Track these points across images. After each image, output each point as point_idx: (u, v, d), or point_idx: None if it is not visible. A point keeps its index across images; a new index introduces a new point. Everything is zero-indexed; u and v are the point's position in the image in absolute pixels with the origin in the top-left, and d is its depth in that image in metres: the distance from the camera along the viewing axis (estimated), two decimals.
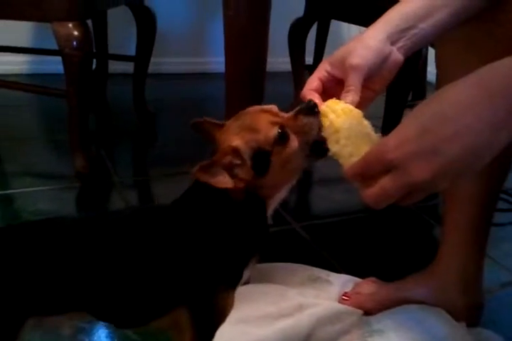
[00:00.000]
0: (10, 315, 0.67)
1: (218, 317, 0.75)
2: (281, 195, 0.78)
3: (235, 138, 0.72)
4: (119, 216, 0.80)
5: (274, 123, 0.72)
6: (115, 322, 0.78)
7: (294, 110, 0.76)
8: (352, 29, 3.02)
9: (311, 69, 2.44)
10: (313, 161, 0.78)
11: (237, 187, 0.69)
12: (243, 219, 0.74)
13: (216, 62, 2.82)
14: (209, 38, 2.93)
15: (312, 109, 0.73)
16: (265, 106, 0.76)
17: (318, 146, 0.74)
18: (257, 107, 0.77)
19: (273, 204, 0.77)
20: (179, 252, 0.72)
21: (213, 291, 0.73)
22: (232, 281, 0.75)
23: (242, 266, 0.75)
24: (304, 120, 0.74)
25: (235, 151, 0.70)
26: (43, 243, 0.70)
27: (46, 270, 0.67)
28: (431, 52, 1.83)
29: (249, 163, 0.70)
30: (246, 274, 0.77)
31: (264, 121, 0.73)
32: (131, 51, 2.12)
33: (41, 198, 1.49)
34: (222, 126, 0.77)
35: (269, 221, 0.78)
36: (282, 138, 0.72)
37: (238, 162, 0.70)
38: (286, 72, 2.23)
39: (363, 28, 2.13)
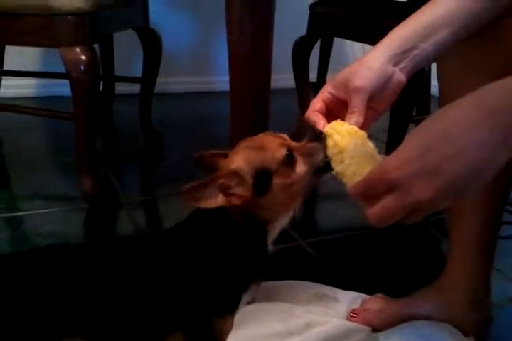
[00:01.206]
0: None
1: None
2: (283, 220, 0.78)
3: (237, 157, 0.74)
4: (120, 243, 0.81)
5: (282, 145, 0.75)
6: None
7: (304, 140, 0.78)
8: (355, 46, 3.05)
9: (315, 86, 2.46)
10: (317, 179, 0.79)
11: (234, 205, 0.70)
12: (242, 245, 0.74)
13: (221, 81, 2.85)
14: (213, 57, 2.97)
15: (318, 136, 0.75)
16: (274, 133, 0.79)
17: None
18: (268, 132, 0.79)
19: (274, 230, 0.77)
20: (176, 278, 0.72)
21: (210, 317, 0.73)
22: (230, 306, 0.75)
23: (241, 291, 0.76)
24: (310, 145, 0.76)
25: (233, 173, 0.71)
26: (40, 271, 0.71)
27: (45, 297, 0.68)
28: (434, 66, 1.84)
29: (250, 181, 0.72)
30: (245, 298, 0.77)
31: (272, 142, 0.75)
32: (137, 72, 2.15)
33: (50, 220, 1.50)
34: (225, 155, 0.79)
35: (270, 248, 0.78)
36: (289, 160, 0.74)
37: (233, 183, 0.71)
38: (289, 89, 2.25)
39: (366, 45, 2.16)
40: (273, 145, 0.75)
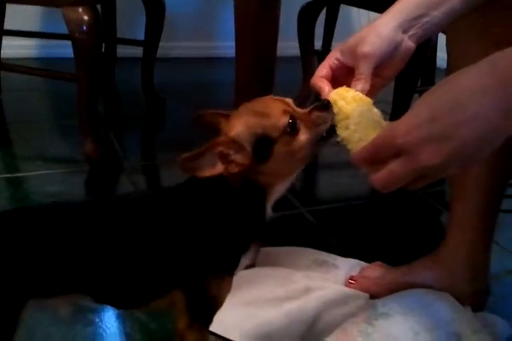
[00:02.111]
0: (11, 298, 0.68)
1: (213, 302, 0.76)
2: (283, 185, 0.77)
3: (237, 123, 0.72)
4: (121, 200, 0.81)
5: (285, 112, 0.72)
6: (113, 304, 0.79)
7: (309, 107, 0.75)
8: (361, 14, 3.00)
9: (320, 54, 2.43)
10: (319, 147, 0.77)
11: (232, 172, 0.69)
12: (241, 207, 0.74)
13: (225, 46, 2.82)
14: (218, 22, 2.92)
15: (326, 105, 0.73)
16: (278, 97, 0.76)
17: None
18: (271, 96, 0.76)
19: (274, 194, 0.76)
20: (175, 236, 0.72)
21: (206, 276, 0.73)
22: (228, 267, 0.75)
23: (239, 252, 0.76)
24: (317, 114, 0.74)
25: (232, 141, 0.69)
26: (43, 226, 0.71)
27: (47, 252, 0.69)
28: (441, 38, 1.82)
29: (249, 149, 0.70)
30: (244, 261, 0.77)
31: (276, 108, 0.72)
32: (139, 35, 2.12)
33: (51, 181, 1.51)
34: (228, 115, 0.76)
35: (269, 211, 0.77)
36: (292, 129, 0.72)
37: (231, 151, 0.69)
38: (294, 57, 2.22)
39: (372, 13, 2.13)
40: (276, 111, 0.72)
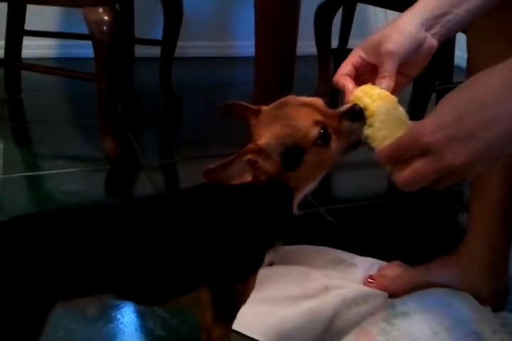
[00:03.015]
0: (41, 299, 0.68)
1: (238, 299, 0.76)
2: (310, 187, 0.76)
3: (266, 133, 0.70)
4: (150, 199, 0.81)
5: (316, 123, 0.70)
6: (139, 300, 0.80)
7: (340, 110, 0.73)
8: (378, 12, 2.99)
9: (337, 53, 2.43)
10: (346, 154, 0.75)
11: (260, 180, 0.69)
12: (269, 206, 0.74)
13: (242, 45, 2.83)
14: (235, 21, 2.93)
15: (357, 115, 0.71)
16: (309, 99, 0.73)
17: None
18: (300, 99, 0.73)
19: (301, 194, 0.76)
20: (203, 234, 0.73)
21: (234, 274, 0.74)
22: (254, 265, 0.76)
23: (264, 250, 0.76)
24: (348, 124, 0.72)
25: (259, 150, 0.69)
26: (72, 228, 0.71)
27: (76, 253, 0.69)
28: (459, 37, 1.81)
29: (277, 158, 0.69)
30: (268, 258, 0.77)
31: (305, 118, 0.70)
32: (157, 35, 2.13)
33: (72, 179, 1.53)
34: (258, 111, 0.75)
35: (295, 210, 0.77)
36: (323, 140, 0.70)
37: (260, 159, 0.68)
38: (310, 56, 2.22)
39: (389, 11, 2.12)
40: (307, 121, 0.69)
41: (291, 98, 0.74)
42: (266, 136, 0.70)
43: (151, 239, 0.72)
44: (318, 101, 0.73)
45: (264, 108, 0.75)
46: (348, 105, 0.73)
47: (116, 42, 1.47)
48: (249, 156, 0.68)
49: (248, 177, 0.68)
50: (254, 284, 0.77)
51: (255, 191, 0.72)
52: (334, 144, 0.71)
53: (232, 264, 0.74)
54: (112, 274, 0.71)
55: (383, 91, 0.72)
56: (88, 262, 0.70)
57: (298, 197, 0.76)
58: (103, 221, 0.73)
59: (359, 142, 0.73)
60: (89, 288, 0.72)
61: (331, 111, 0.73)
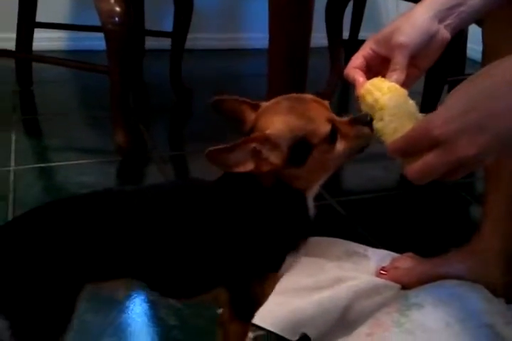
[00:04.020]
0: (70, 281, 0.69)
1: (255, 299, 0.76)
2: (313, 188, 0.75)
3: (277, 121, 0.69)
4: (179, 192, 0.79)
5: (328, 120, 0.70)
6: (162, 291, 0.80)
7: (348, 117, 0.73)
8: (389, 3, 2.97)
9: (347, 44, 2.41)
10: (353, 157, 0.75)
11: (262, 171, 0.67)
12: (281, 206, 0.72)
13: (252, 37, 2.82)
14: (245, 13, 2.92)
15: (368, 122, 0.71)
16: (318, 98, 0.73)
17: None
18: (311, 96, 0.73)
19: (311, 196, 0.75)
20: (226, 233, 0.72)
21: (251, 276, 0.74)
22: (272, 267, 0.75)
23: (283, 251, 0.75)
24: (358, 129, 0.72)
25: (267, 139, 0.67)
26: (101, 213, 0.72)
27: (103, 238, 0.70)
28: (472, 29, 1.79)
29: (285, 150, 0.67)
30: (291, 259, 0.76)
31: (320, 113, 0.70)
32: (167, 27, 2.13)
33: (84, 171, 1.53)
34: (256, 105, 0.74)
35: (311, 211, 0.75)
36: (331, 138, 0.70)
37: (265, 149, 0.66)
38: (321, 48, 2.21)
39: (400, 2, 2.11)
40: (320, 117, 0.69)
41: (303, 94, 0.74)
42: (277, 125, 0.68)
43: (176, 232, 0.72)
44: (325, 102, 0.73)
45: (264, 103, 0.74)
46: (359, 113, 0.73)
47: (128, 33, 1.47)
48: (254, 145, 0.66)
49: (250, 166, 0.66)
50: (273, 285, 0.76)
51: (266, 191, 0.71)
52: (340, 146, 0.71)
53: (248, 265, 0.73)
54: (137, 261, 0.72)
55: (393, 84, 0.72)
56: (115, 247, 0.70)
57: (309, 196, 0.74)
58: (132, 207, 0.73)
59: (363, 148, 0.73)
60: (115, 272, 0.73)
61: (339, 117, 0.73)
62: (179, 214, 0.73)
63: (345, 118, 0.73)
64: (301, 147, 0.68)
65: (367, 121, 0.71)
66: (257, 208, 0.72)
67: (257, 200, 0.72)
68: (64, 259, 0.69)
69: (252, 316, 0.79)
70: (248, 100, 0.75)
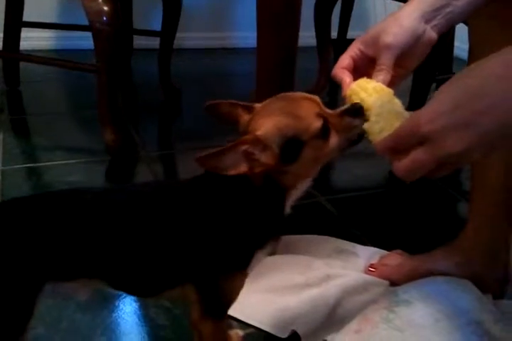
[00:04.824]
0: (28, 280, 0.69)
1: (224, 298, 0.76)
2: (304, 184, 0.75)
3: (266, 122, 0.69)
4: (140, 189, 0.80)
5: (318, 115, 0.70)
6: (127, 291, 0.80)
7: (340, 109, 0.73)
8: (377, 3, 2.99)
9: (336, 44, 2.42)
10: (344, 151, 0.75)
11: (255, 172, 0.67)
12: (259, 205, 0.72)
13: (241, 37, 2.83)
14: (234, 12, 2.92)
15: (358, 111, 0.71)
16: (309, 95, 0.73)
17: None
18: (301, 94, 0.73)
19: (294, 193, 0.74)
20: (188, 230, 0.72)
21: (218, 273, 0.73)
22: (240, 264, 0.74)
23: (251, 249, 0.74)
24: (349, 120, 0.72)
25: (257, 141, 0.67)
26: (63, 211, 0.71)
27: (63, 236, 0.69)
28: (458, 28, 1.81)
29: (276, 150, 0.68)
30: (259, 257, 0.76)
31: (309, 110, 0.70)
32: (155, 26, 2.12)
33: (72, 171, 1.53)
34: (250, 108, 0.74)
35: (287, 210, 0.75)
36: (323, 133, 0.70)
37: (256, 151, 0.67)
38: (310, 47, 2.22)
39: (388, 2, 2.12)
40: (309, 113, 0.69)
41: (292, 93, 0.74)
42: (266, 126, 0.68)
43: (137, 229, 0.72)
44: (316, 97, 0.73)
45: (257, 105, 0.74)
46: (349, 104, 0.73)
47: (116, 32, 1.46)
48: (245, 147, 0.66)
49: (244, 169, 0.66)
50: (242, 283, 0.75)
51: (246, 188, 0.70)
52: (333, 139, 0.71)
53: (216, 262, 0.73)
54: (97, 260, 0.72)
55: (379, 84, 0.73)
56: (75, 246, 0.70)
57: (290, 197, 0.74)
58: (95, 206, 0.72)
59: (356, 141, 0.73)
60: (75, 272, 0.72)
61: (329, 109, 0.74)
62: (142, 211, 0.73)
63: (336, 111, 0.73)
64: (292, 145, 0.68)
65: (358, 111, 0.71)
66: (231, 205, 0.72)
67: (236, 197, 0.71)
68: (23, 257, 0.68)
69: (223, 314, 0.78)
70: (242, 103, 0.75)
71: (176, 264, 0.73)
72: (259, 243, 0.75)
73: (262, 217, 0.73)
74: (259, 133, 0.68)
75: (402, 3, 0.80)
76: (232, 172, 0.65)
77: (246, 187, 0.70)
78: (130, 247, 0.72)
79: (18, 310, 0.69)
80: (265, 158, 0.67)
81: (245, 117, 0.74)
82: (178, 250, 0.72)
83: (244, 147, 0.66)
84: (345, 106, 0.74)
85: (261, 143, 0.67)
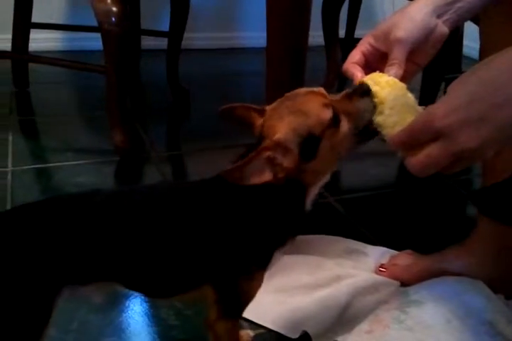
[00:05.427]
0: (47, 284, 0.69)
1: (243, 297, 0.75)
2: (324, 180, 0.74)
3: (280, 126, 0.69)
4: (156, 190, 0.80)
5: (326, 105, 0.69)
6: (144, 292, 0.80)
7: (345, 92, 0.72)
8: (385, 1, 2.98)
9: (344, 43, 2.42)
10: (361, 145, 0.74)
11: (279, 178, 0.67)
12: (281, 204, 0.72)
13: (248, 36, 2.82)
14: (241, 12, 2.92)
15: (366, 92, 0.70)
16: (313, 88, 0.72)
17: (366, 129, 0.72)
18: (305, 89, 0.73)
19: (314, 190, 0.74)
20: (210, 231, 0.71)
21: (238, 273, 0.73)
22: (260, 264, 0.74)
23: (271, 248, 0.74)
24: (358, 102, 0.71)
25: (278, 145, 0.67)
26: (80, 214, 0.71)
27: (81, 240, 0.69)
28: (467, 26, 1.80)
29: (296, 151, 0.67)
30: (277, 256, 0.76)
31: (315, 103, 0.70)
32: (163, 26, 2.12)
33: (81, 172, 1.53)
34: (262, 111, 0.74)
35: (308, 207, 0.75)
36: (335, 121, 0.69)
37: (278, 155, 0.66)
38: (318, 46, 2.21)
39: (396, 0, 2.11)
40: (316, 106, 0.69)
41: (296, 90, 0.73)
42: (281, 129, 0.68)
43: (155, 231, 0.71)
44: (321, 89, 0.73)
45: (268, 107, 0.74)
46: (355, 85, 0.73)
47: (124, 33, 1.46)
48: (268, 153, 0.66)
49: (269, 177, 0.66)
50: (260, 282, 0.75)
51: (268, 187, 0.69)
52: (345, 125, 0.70)
53: (236, 261, 0.73)
54: (115, 263, 0.72)
55: (392, 78, 0.72)
56: (92, 250, 0.70)
57: (311, 194, 0.74)
58: (112, 209, 0.72)
59: (373, 133, 0.71)
60: (93, 276, 0.72)
61: (335, 95, 0.73)
62: (162, 212, 0.72)
63: (341, 94, 0.72)
64: (310, 141, 0.68)
65: (364, 90, 0.70)
66: (252, 204, 0.71)
67: (254, 196, 0.71)
68: (39, 263, 0.68)
69: (240, 313, 0.79)
70: (254, 106, 0.75)
71: (197, 264, 0.73)
72: (280, 241, 0.75)
73: (284, 215, 0.73)
74: (277, 137, 0.67)
75: (410, 2, 0.79)
76: (257, 181, 0.65)
77: (267, 186, 0.69)
78: (150, 248, 0.71)
79: (36, 315, 0.69)
80: (287, 161, 0.67)
81: (258, 120, 0.73)
82: (199, 250, 0.72)
83: (267, 154, 0.66)
84: (351, 88, 0.73)
85: (282, 146, 0.67)
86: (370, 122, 0.70)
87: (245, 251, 0.72)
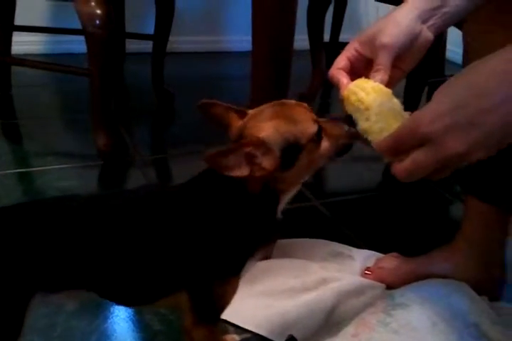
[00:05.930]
0: (18, 290, 0.68)
1: (218, 303, 0.75)
2: (294, 190, 0.76)
3: (267, 126, 0.69)
4: (131, 196, 0.79)
5: (314, 120, 0.72)
6: (117, 300, 0.79)
7: (329, 117, 0.76)
8: (369, 6, 3.00)
9: (328, 47, 2.43)
10: (336, 158, 0.77)
11: (255, 176, 0.67)
12: (251, 211, 0.72)
13: (234, 40, 2.82)
14: (227, 16, 2.91)
15: (348, 120, 0.73)
16: (300, 103, 0.75)
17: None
18: (293, 101, 0.75)
19: (285, 200, 0.75)
20: (182, 237, 0.71)
21: (211, 279, 0.73)
22: (233, 270, 0.74)
23: (245, 256, 0.74)
24: (340, 127, 0.75)
25: (260, 143, 0.67)
26: (52, 220, 0.70)
27: (53, 246, 0.69)
28: (450, 31, 1.81)
29: (277, 154, 0.68)
30: (251, 263, 0.76)
31: (305, 115, 0.72)
32: (148, 29, 2.11)
33: (64, 176, 1.51)
34: (243, 112, 0.74)
35: (279, 215, 0.76)
36: (318, 137, 0.72)
37: (258, 153, 0.67)
38: (303, 50, 2.21)
39: (380, 5, 2.12)
40: (306, 119, 0.71)
41: (286, 100, 0.75)
42: (266, 130, 0.69)
43: (127, 238, 0.71)
44: (306, 105, 0.75)
45: (250, 110, 0.74)
46: (337, 114, 0.77)
47: (109, 36, 1.45)
48: (248, 148, 0.66)
49: (245, 171, 0.65)
50: (235, 288, 0.75)
51: (241, 194, 0.70)
52: (325, 144, 0.73)
53: (209, 268, 0.72)
54: (87, 271, 0.71)
55: (377, 84, 0.72)
56: (65, 257, 0.69)
57: (282, 202, 0.75)
58: (84, 215, 0.72)
59: (343, 151, 0.75)
60: (65, 283, 0.72)
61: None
62: (135, 220, 0.72)
63: (325, 119, 0.75)
64: (291, 150, 0.69)
65: (345, 119, 0.73)
66: (225, 211, 0.72)
67: (226, 203, 0.71)
68: (13, 266, 0.67)
69: (216, 319, 0.78)
70: (235, 107, 0.75)
71: (170, 271, 0.73)
72: (251, 248, 0.75)
73: (256, 222, 0.73)
74: (262, 135, 0.68)
75: (394, 7, 0.80)
76: (235, 173, 0.65)
77: (240, 193, 0.70)
78: (123, 255, 0.71)
79: (8, 321, 0.69)
80: (266, 162, 0.67)
81: (237, 122, 0.74)
82: (172, 256, 0.72)
83: (247, 149, 0.66)
84: (336, 116, 0.76)
85: (264, 145, 0.67)
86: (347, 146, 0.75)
87: (217, 257, 0.72)
